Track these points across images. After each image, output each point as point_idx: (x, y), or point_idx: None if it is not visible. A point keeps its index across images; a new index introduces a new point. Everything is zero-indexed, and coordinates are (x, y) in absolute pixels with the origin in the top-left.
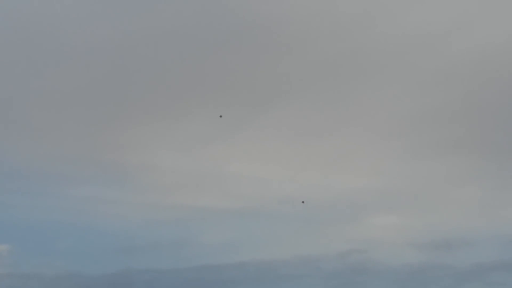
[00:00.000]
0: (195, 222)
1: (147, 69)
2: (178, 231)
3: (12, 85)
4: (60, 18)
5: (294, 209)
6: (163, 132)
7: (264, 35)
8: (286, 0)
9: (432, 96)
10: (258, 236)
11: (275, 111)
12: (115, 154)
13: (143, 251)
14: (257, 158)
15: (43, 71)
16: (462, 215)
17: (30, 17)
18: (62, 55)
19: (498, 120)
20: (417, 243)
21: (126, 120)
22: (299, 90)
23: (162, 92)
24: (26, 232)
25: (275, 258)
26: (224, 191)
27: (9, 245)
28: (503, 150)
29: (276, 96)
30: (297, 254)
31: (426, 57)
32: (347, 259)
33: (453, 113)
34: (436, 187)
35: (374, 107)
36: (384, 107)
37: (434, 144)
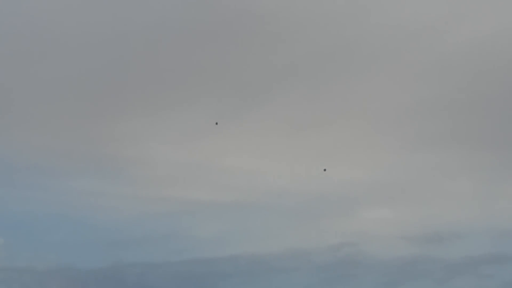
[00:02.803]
0: (187, 215)
1: (140, 62)
2: (170, 225)
3: (5, 78)
4: (54, 9)
5: (286, 202)
6: (155, 125)
7: (257, 26)
8: None
9: (426, 89)
10: (250, 230)
11: (268, 103)
12: (107, 147)
13: (134, 244)
14: (250, 151)
15: (35, 64)
16: (454, 208)
17: (25, 10)
18: (55, 48)
19: (491, 112)
20: (409, 236)
21: (119, 113)
22: (293, 83)
23: (155, 84)
24: (17, 226)
25: (266, 252)
26: (217, 184)
27: (1, 238)
28: (496, 143)
29: (269, 88)
30: (289, 247)
31: (421, 49)
32: (339, 252)
33: (447, 106)
34: (429, 180)
35: (367, 100)
36: (377, 100)
37: (427, 137)
